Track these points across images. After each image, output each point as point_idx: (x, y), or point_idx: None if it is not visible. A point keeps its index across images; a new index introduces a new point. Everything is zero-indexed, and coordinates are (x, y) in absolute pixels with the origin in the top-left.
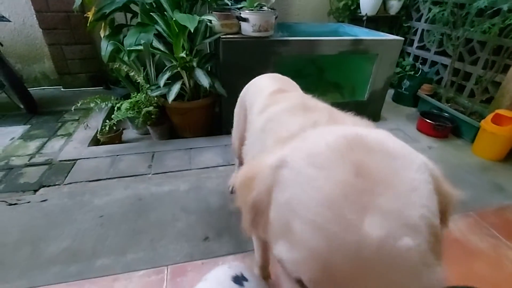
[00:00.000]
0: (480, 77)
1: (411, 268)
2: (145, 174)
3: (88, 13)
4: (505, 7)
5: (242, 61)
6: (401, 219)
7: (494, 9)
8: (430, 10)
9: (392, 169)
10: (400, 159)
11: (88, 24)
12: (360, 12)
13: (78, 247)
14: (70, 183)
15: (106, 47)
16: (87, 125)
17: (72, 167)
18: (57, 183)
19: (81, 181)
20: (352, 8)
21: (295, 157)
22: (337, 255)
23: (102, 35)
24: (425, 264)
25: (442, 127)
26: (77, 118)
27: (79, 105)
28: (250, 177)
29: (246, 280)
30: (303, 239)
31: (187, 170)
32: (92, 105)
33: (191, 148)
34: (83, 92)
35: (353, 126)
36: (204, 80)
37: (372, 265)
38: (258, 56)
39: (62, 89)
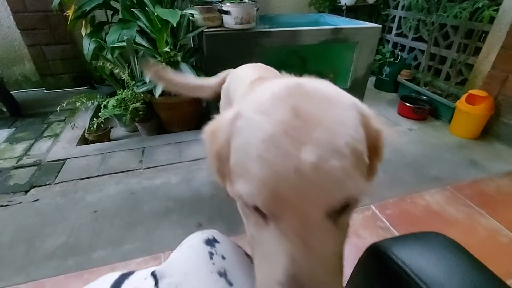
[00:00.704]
0: (454, 60)
1: (338, 181)
2: (137, 169)
3: (68, 11)
4: None
5: (226, 53)
6: (329, 146)
7: None
8: None
9: (323, 109)
10: (331, 101)
11: (68, 23)
12: (340, 2)
13: (74, 242)
14: (61, 182)
15: (88, 46)
16: (74, 125)
17: (62, 167)
18: (48, 183)
19: (72, 180)
20: None
21: (246, 108)
22: (281, 179)
23: (83, 34)
24: (349, 177)
25: (421, 109)
26: (63, 118)
27: (64, 105)
28: (214, 130)
29: (217, 242)
30: (255, 173)
31: (177, 163)
32: (78, 104)
33: (180, 142)
34: (67, 92)
35: (297, 78)
36: (190, 74)
37: (308, 183)
38: (242, 48)
39: (45, 91)
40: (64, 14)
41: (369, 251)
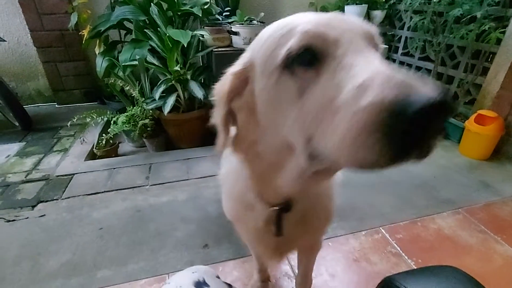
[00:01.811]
0: (461, 80)
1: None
2: (143, 186)
3: (83, 31)
4: (479, 14)
5: None
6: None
7: (470, 16)
8: (411, 18)
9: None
10: None
11: (83, 42)
12: None
13: (79, 260)
14: (68, 198)
15: (101, 63)
16: (83, 140)
17: (70, 182)
18: (55, 198)
19: (79, 195)
20: None
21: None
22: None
23: (97, 52)
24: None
25: None
26: (72, 133)
27: (75, 120)
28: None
29: (207, 285)
30: (304, 23)
31: (185, 180)
32: (88, 120)
33: (188, 159)
34: (78, 107)
35: None
36: (199, 92)
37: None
38: None
39: (56, 106)
40: (80, 33)
41: (383, 285)
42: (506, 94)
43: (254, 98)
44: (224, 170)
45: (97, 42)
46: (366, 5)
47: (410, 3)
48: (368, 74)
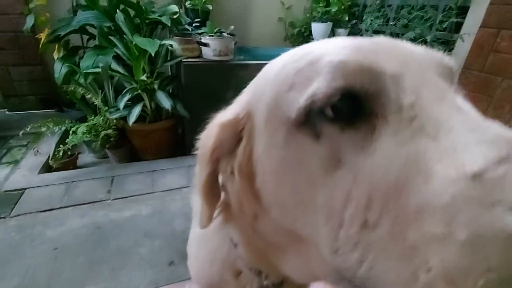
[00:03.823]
0: None
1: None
2: (104, 200)
3: (41, 34)
4: (428, 38)
5: (203, 83)
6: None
7: (422, 39)
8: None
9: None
10: None
11: (40, 46)
12: (313, 39)
13: (29, 285)
14: (18, 215)
15: (60, 69)
16: (38, 151)
17: (20, 197)
18: (2, 216)
19: (31, 212)
20: (305, 34)
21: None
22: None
23: (55, 57)
24: None
25: None
26: (25, 143)
27: (28, 129)
28: (207, 135)
29: None
30: (331, 60)
31: (149, 193)
32: (43, 129)
33: (153, 171)
34: (33, 115)
35: None
36: (166, 102)
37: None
38: (219, 79)
39: (7, 112)
40: (36, 36)
41: None
42: None
43: (251, 161)
44: (199, 232)
45: (56, 46)
46: (331, 23)
47: (370, 24)
48: (482, 147)
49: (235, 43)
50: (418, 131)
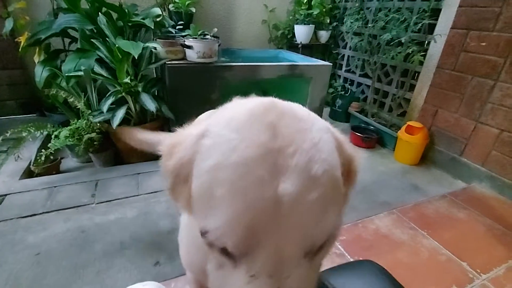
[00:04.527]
0: (394, 95)
1: (318, 216)
2: (88, 204)
3: (20, 38)
4: (403, 39)
5: (188, 85)
6: (309, 176)
7: (398, 39)
8: (352, 39)
9: (301, 131)
10: (307, 122)
11: (20, 49)
12: (296, 41)
13: None
14: None
15: (41, 73)
16: (18, 156)
17: (0, 204)
18: None
19: (12, 218)
20: (288, 36)
21: (216, 125)
22: (258, 213)
23: (36, 61)
24: (329, 211)
25: (369, 139)
26: (5, 149)
27: (8, 135)
28: (175, 144)
29: None
30: (226, 204)
31: (134, 196)
32: (24, 134)
33: (138, 173)
34: (13, 120)
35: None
36: (151, 105)
37: (287, 217)
38: (204, 81)
39: None
40: (16, 40)
41: None
42: (429, 107)
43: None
44: (185, 220)
45: (37, 50)
46: (314, 26)
47: (350, 26)
48: None
49: (219, 45)
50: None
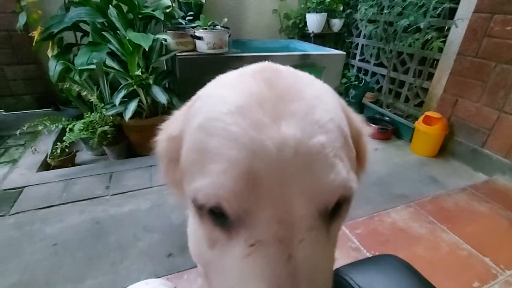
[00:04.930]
0: (411, 84)
1: (329, 163)
2: (103, 196)
3: (33, 32)
4: (422, 25)
5: (199, 77)
6: (313, 120)
7: (416, 26)
8: (366, 27)
9: (300, 84)
10: (306, 78)
11: (34, 44)
12: (308, 30)
13: (29, 280)
14: (17, 213)
15: (54, 67)
16: (35, 149)
17: (19, 196)
18: (1, 214)
19: (30, 210)
20: (300, 26)
21: (207, 89)
22: (257, 159)
23: (49, 55)
24: (341, 159)
25: (384, 130)
26: (23, 142)
27: (25, 128)
28: (166, 125)
29: None
30: (219, 154)
31: (147, 188)
32: (40, 127)
33: (151, 166)
34: (29, 114)
35: None
36: (162, 97)
37: (292, 164)
38: (214, 72)
39: (4, 113)
40: (29, 35)
41: None
42: (448, 97)
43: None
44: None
45: (50, 44)
46: (326, 14)
47: (364, 13)
48: None
49: (229, 36)
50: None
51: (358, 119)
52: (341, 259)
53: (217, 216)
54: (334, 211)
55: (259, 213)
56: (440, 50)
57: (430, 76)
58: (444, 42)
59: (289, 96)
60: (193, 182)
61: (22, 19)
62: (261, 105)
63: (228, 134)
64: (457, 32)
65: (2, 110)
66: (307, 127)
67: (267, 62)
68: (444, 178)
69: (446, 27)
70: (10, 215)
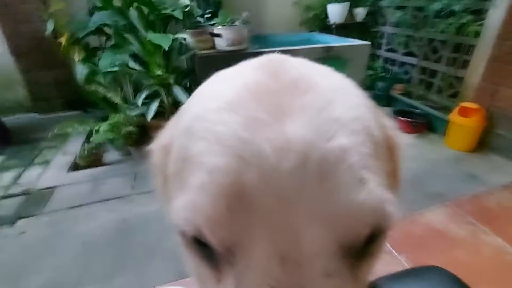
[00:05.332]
0: (444, 73)
1: (351, 173)
2: (129, 195)
3: (61, 38)
4: (457, 8)
5: None
6: (331, 118)
7: (449, 10)
8: (393, 14)
9: (316, 74)
10: (323, 69)
11: (62, 49)
12: (329, 21)
13: (61, 279)
14: (50, 212)
15: (81, 71)
16: (66, 151)
17: (51, 195)
18: (35, 213)
19: (61, 209)
20: (321, 17)
21: (202, 85)
22: (249, 169)
23: (76, 59)
24: (368, 169)
25: (416, 123)
26: (54, 144)
27: (55, 131)
28: (160, 135)
29: None
30: (202, 162)
31: None
32: (69, 130)
33: None
34: (60, 117)
35: None
36: (183, 96)
37: (300, 176)
38: None
39: (37, 116)
40: (58, 40)
41: None
42: (487, 86)
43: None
44: None
45: (77, 49)
46: (349, 3)
47: None
48: None
49: (249, 31)
50: None
51: (391, 125)
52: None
53: (204, 246)
54: (363, 247)
55: (252, 247)
56: (477, 35)
57: (465, 64)
58: (481, 26)
59: (299, 88)
60: (173, 200)
61: (50, 26)
62: (259, 98)
63: (212, 136)
64: (497, 15)
65: (37, 113)
66: (322, 127)
67: (276, 53)
68: (484, 174)
69: (484, 10)
70: (44, 214)
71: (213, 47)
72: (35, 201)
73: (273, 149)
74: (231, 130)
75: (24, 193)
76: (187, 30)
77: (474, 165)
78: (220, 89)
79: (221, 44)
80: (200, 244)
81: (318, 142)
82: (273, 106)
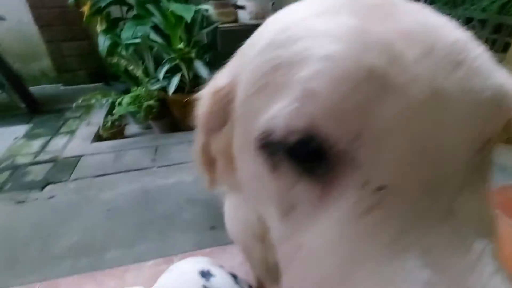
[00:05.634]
0: None
1: (481, 60)
2: (150, 168)
3: (84, 7)
4: None
5: None
6: (443, 20)
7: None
8: None
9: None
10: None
11: (84, 19)
12: None
13: (88, 241)
14: (76, 179)
15: (103, 42)
16: (89, 122)
17: (77, 164)
18: (63, 180)
19: (87, 177)
20: None
21: (270, 19)
22: (377, 54)
23: (98, 30)
24: (497, 69)
25: None
26: (78, 115)
27: (80, 102)
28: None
29: (213, 276)
30: (311, 54)
31: (191, 162)
32: (93, 101)
33: (194, 141)
34: (83, 88)
35: None
36: (204, 71)
37: (431, 64)
38: None
39: (61, 87)
40: (80, 10)
41: None
42: None
43: (231, 145)
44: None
45: (99, 19)
46: None
47: None
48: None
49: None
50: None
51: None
52: None
53: (302, 159)
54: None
55: (384, 138)
56: None
57: (506, 47)
58: None
59: (397, 4)
60: (259, 118)
61: None
62: (362, 4)
63: (318, 32)
64: None
65: (61, 84)
66: (436, 22)
67: None
68: None
69: None
70: (71, 180)
71: (236, 20)
72: (62, 168)
73: (397, 35)
74: (342, 22)
75: (52, 160)
76: (210, 1)
77: (504, 155)
78: (308, 4)
79: (244, 17)
80: (296, 157)
81: (440, 33)
82: (377, 10)
